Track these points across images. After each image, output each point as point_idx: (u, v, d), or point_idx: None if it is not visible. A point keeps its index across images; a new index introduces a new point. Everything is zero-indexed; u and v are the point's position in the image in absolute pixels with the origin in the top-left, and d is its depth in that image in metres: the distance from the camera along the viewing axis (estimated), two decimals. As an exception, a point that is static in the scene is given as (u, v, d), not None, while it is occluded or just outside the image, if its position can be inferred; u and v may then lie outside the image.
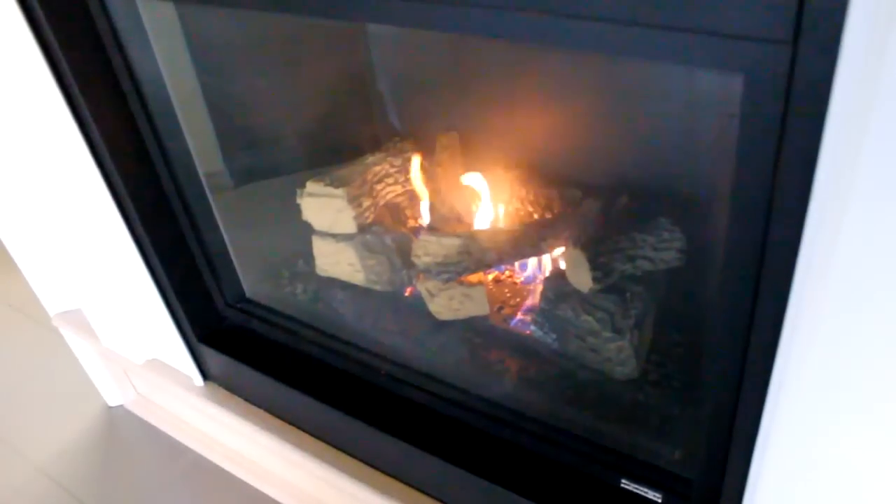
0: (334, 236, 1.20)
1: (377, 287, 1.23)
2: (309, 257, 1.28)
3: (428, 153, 1.22)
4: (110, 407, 1.65)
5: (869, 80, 0.49)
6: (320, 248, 1.23)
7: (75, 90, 0.99)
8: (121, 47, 0.99)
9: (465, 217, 1.16)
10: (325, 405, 1.14)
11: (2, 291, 2.05)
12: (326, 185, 1.15)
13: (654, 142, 1.04)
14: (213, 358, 1.29)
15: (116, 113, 1.05)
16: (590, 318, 1.00)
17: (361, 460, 1.16)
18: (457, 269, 1.07)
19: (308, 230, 1.24)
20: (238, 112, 1.23)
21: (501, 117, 1.19)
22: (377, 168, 1.20)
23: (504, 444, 1.04)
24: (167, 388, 1.39)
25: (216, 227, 1.20)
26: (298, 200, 1.20)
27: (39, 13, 0.93)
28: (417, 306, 1.17)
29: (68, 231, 1.24)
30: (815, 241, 0.59)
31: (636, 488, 0.93)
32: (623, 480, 0.94)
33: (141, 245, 1.16)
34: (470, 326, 1.15)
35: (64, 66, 0.97)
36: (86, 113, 1.01)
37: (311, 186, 1.17)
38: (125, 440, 1.57)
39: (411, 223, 1.29)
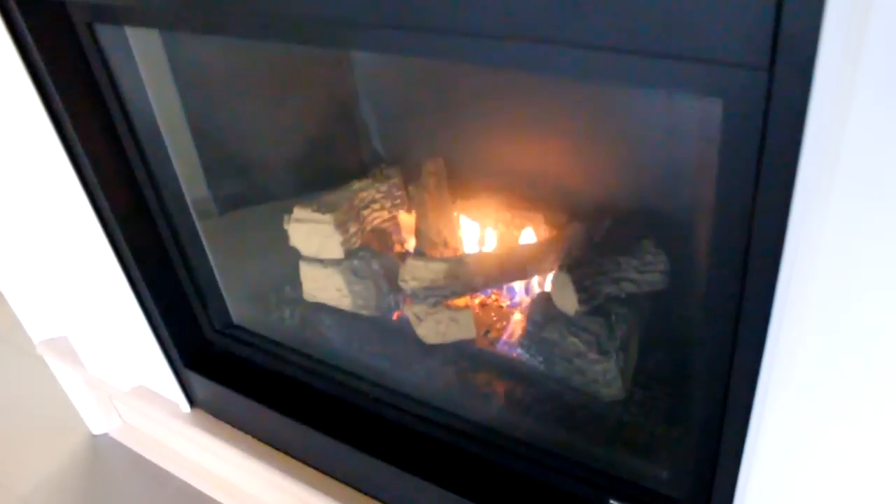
0: (322, 261, 1.21)
1: (364, 312, 1.23)
2: (296, 283, 1.29)
3: (414, 179, 1.23)
4: (94, 435, 1.64)
5: (842, 100, 0.50)
6: (307, 273, 1.24)
7: (64, 116, 1.00)
8: (110, 75, 1.00)
9: (451, 242, 1.17)
10: (312, 430, 1.14)
11: (-15, 320, 2.03)
12: (314, 210, 1.15)
13: (637, 165, 1.05)
14: (199, 384, 1.29)
15: (105, 139, 1.05)
16: (576, 340, 1.01)
17: (349, 485, 1.16)
18: (444, 293, 1.08)
19: (295, 256, 1.24)
20: (223, 140, 1.24)
21: (486, 143, 1.20)
22: (364, 194, 1.21)
23: (492, 466, 1.04)
24: (153, 414, 1.39)
25: (203, 253, 1.20)
26: (286, 226, 1.20)
27: (30, 41, 0.94)
28: (405, 330, 1.18)
29: (55, 258, 1.24)
30: (796, 261, 0.60)
31: (624, 509, 0.94)
32: (610, 501, 0.94)
33: (128, 271, 1.16)
34: (457, 350, 1.16)
35: (53, 92, 0.98)
36: (74, 139, 1.02)
37: (298, 212, 1.17)
38: (110, 468, 1.56)
39: (398, 248, 1.30)
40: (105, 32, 0.97)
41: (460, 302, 1.12)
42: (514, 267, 1.09)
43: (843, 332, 0.61)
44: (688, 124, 0.93)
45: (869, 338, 0.60)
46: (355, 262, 1.20)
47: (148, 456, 1.56)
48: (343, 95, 1.34)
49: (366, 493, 1.14)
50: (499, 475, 1.03)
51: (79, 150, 1.03)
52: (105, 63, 0.99)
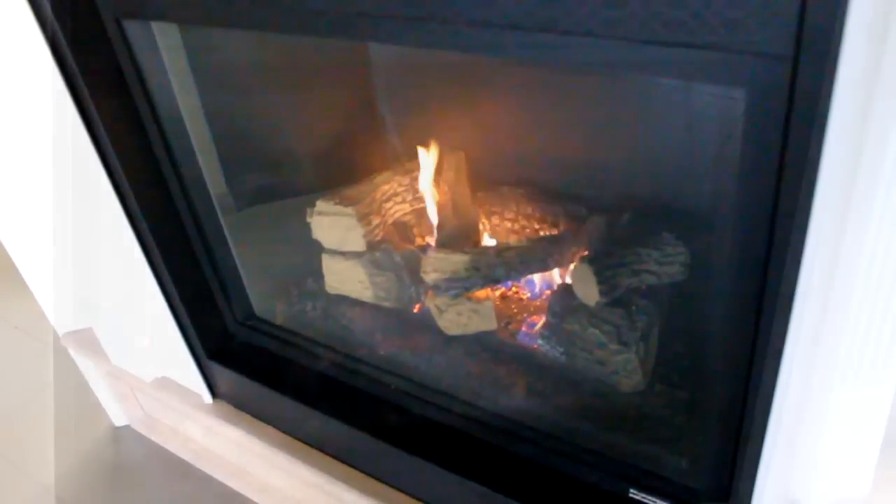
0: (344, 254, 1.22)
1: (386, 303, 1.24)
2: (318, 275, 1.30)
3: (435, 172, 1.24)
4: (116, 427, 1.66)
5: (867, 91, 0.51)
6: (330, 265, 1.25)
7: (93, 111, 1.02)
8: (138, 71, 1.02)
9: (472, 234, 1.18)
10: (333, 419, 1.15)
11: (7, 314, 2.06)
12: (336, 203, 1.17)
13: (658, 158, 1.06)
14: (222, 375, 1.31)
15: (133, 134, 1.07)
16: (596, 332, 1.02)
17: (373, 476, 1.17)
18: (465, 284, 1.09)
19: (317, 249, 1.26)
20: (246, 136, 1.26)
21: (507, 136, 1.21)
22: (385, 187, 1.23)
23: (513, 456, 1.05)
24: (176, 406, 1.40)
25: (227, 247, 1.22)
26: (308, 219, 1.22)
27: (61, 39, 0.95)
28: (426, 322, 1.19)
29: (82, 250, 1.26)
30: (819, 250, 0.61)
31: (644, 498, 0.95)
32: (631, 490, 0.95)
33: (154, 264, 1.18)
34: (478, 341, 1.17)
35: (82, 86, 1.00)
36: (103, 134, 1.04)
37: (321, 205, 1.19)
38: (132, 460, 1.58)
39: (419, 241, 1.31)
40: (133, 28, 0.99)
41: (481, 294, 1.13)
42: (535, 259, 1.10)
43: (867, 321, 0.62)
44: (710, 116, 0.94)
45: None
46: (377, 254, 1.21)
47: (170, 447, 1.58)
48: (362, 90, 1.35)
49: (387, 483, 1.16)
50: (518, 465, 1.04)
51: (107, 145, 1.05)
52: (133, 59, 1.01)
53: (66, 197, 1.17)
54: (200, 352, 1.30)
